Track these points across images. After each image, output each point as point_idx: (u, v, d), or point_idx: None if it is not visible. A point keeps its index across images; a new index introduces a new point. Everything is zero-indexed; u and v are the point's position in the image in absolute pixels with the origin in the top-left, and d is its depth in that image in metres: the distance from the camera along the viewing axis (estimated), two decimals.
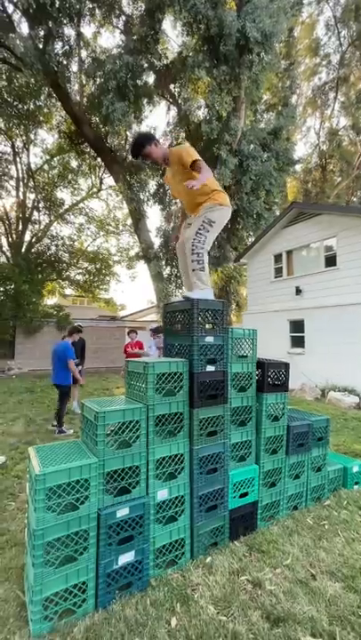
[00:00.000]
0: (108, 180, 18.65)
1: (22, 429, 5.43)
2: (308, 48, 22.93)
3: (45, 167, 18.01)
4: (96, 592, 1.86)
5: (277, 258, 11.59)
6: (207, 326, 2.46)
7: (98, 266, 19.41)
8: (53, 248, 18.14)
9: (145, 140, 2.70)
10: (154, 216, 66.54)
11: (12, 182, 16.62)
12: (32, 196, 17.32)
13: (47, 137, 32.44)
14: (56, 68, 11.27)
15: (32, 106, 14.98)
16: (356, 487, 3.39)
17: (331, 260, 9.64)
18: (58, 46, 11.71)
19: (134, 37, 12.27)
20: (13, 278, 13.97)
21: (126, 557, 1.94)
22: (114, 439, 2.00)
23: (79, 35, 12.78)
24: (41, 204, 17.70)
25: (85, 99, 13.52)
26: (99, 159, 15.91)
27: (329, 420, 3.25)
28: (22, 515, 2.83)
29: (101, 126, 13.12)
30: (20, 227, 16.92)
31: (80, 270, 19.29)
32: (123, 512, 1.93)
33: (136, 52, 11.74)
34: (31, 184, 17.06)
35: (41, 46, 10.91)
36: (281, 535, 2.54)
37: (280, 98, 18.64)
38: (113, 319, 18.41)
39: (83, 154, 16.61)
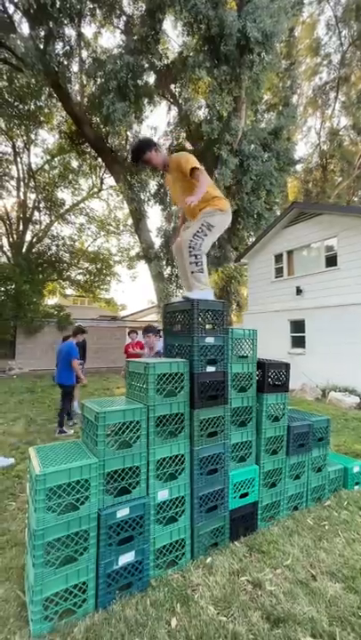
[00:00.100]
0: (109, 180, 18.68)
1: (23, 429, 5.44)
2: (309, 48, 22.91)
3: (46, 167, 18.03)
4: (96, 592, 1.86)
5: (278, 258, 11.59)
6: (207, 327, 2.45)
7: (98, 266, 19.42)
8: (54, 248, 18.16)
9: (145, 145, 2.72)
10: (154, 216, 66.74)
11: (13, 182, 16.65)
12: (33, 196, 17.34)
13: (48, 137, 32.57)
14: (57, 69, 11.28)
15: (33, 106, 14.99)
16: (356, 487, 3.38)
17: (331, 260, 9.63)
18: (58, 46, 11.72)
19: (135, 37, 12.28)
20: (14, 278, 13.98)
21: (126, 558, 1.94)
22: (114, 439, 2.00)
23: (80, 35, 12.79)
24: (42, 204, 17.72)
25: (86, 99, 13.53)
26: (99, 159, 15.91)
27: (329, 420, 3.25)
28: (23, 515, 2.83)
29: (102, 126, 13.12)
30: (21, 227, 16.94)
31: (81, 270, 19.30)
32: (123, 512, 1.93)
33: (137, 52, 11.74)
34: (32, 184, 17.08)
35: (42, 46, 10.92)
36: (281, 536, 2.54)
37: (281, 98, 18.63)
38: (114, 319, 18.43)
39: (83, 154, 16.62)
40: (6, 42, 11.51)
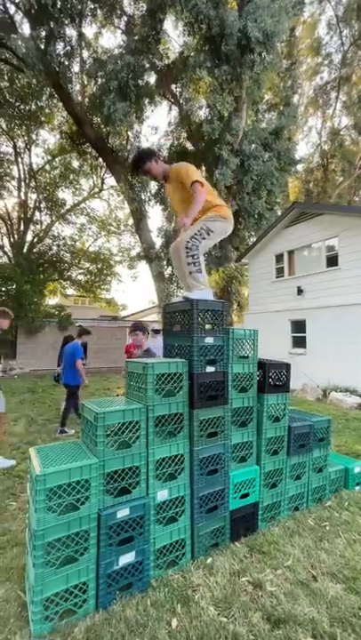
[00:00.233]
0: (110, 181, 18.71)
1: (24, 429, 5.45)
2: (310, 47, 22.87)
3: (47, 167, 18.07)
4: (97, 592, 1.86)
5: (279, 258, 11.57)
6: (207, 327, 2.45)
7: (99, 266, 19.46)
8: (55, 248, 18.19)
9: (146, 156, 2.75)
10: (155, 216, 66.64)
11: (14, 182, 16.70)
12: (34, 196, 17.38)
13: (49, 137, 32.58)
14: (58, 69, 11.30)
15: (34, 106, 15.03)
16: (357, 488, 3.38)
17: (332, 260, 9.61)
18: (59, 47, 11.74)
19: (136, 37, 12.28)
20: (15, 278, 14.01)
21: (127, 558, 1.94)
22: (114, 440, 2.00)
23: (81, 35, 12.81)
24: (42, 205, 17.75)
25: (87, 99, 13.54)
26: (100, 159, 15.94)
27: (330, 420, 3.24)
28: (23, 515, 2.83)
29: (103, 126, 13.13)
30: (22, 227, 16.97)
31: (81, 270, 19.34)
32: (123, 512, 1.93)
33: (137, 52, 11.75)
34: (33, 184, 17.11)
35: (43, 47, 10.94)
36: (282, 536, 2.53)
37: (282, 97, 18.60)
38: (114, 319, 18.44)
39: (84, 154, 16.65)
40: (7, 42, 11.53)
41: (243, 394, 2.60)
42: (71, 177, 18.36)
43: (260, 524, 2.65)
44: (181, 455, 2.24)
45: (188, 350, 2.38)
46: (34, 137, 16.62)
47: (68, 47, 12.09)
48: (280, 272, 11.54)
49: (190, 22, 11.28)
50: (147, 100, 13.06)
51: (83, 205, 19.54)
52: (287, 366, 2.87)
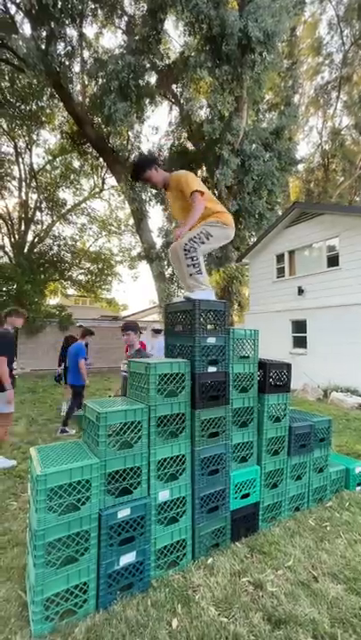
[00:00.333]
0: (111, 181, 18.70)
1: (24, 429, 5.46)
2: (311, 47, 22.85)
3: (48, 167, 18.06)
4: (97, 593, 1.86)
5: (280, 258, 11.57)
6: (209, 327, 2.45)
7: (100, 266, 19.45)
8: (56, 248, 18.18)
9: (145, 164, 2.74)
10: (156, 216, 66.71)
11: (15, 183, 16.68)
12: (34, 196, 17.37)
13: (49, 137, 32.62)
14: (58, 69, 11.28)
15: (34, 106, 15.01)
16: (358, 488, 3.37)
17: (333, 260, 9.60)
18: (60, 47, 11.72)
19: (136, 38, 12.26)
20: (16, 278, 14.02)
21: (127, 558, 1.94)
22: (115, 440, 2.00)
23: (81, 35, 12.79)
24: (43, 205, 17.74)
25: (87, 99, 13.53)
26: (101, 159, 15.92)
27: (331, 420, 3.23)
28: (24, 515, 2.83)
29: (103, 126, 13.12)
30: (23, 227, 16.97)
31: (82, 270, 19.33)
32: (124, 513, 1.93)
33: (138, 52, 11.73)
34: (33, 184, 17.11)
35: (43, 47, 10.92)
36: (283, 536, 2.53)
37: (282, 97, 18.57)
38: (115, 319, 18.43)
39: (85, 154, 16.64)
40: (8, 42, 11.52)
41: (243, 394, 2.60)
42: (72, 177, 18.35)
43: (260, 525, 2.64)
44: (183, 455, 2.24)
45: (189, 350, 2.38)
46: (34, 137, 16.61)
47: (69, 47, 12.08)
48: (281, 272, 11.53)
49: (191, 22, 11.26)
50: (147, 100, 13.04)
51: (83, 205, 19.55)
52: (288, 366, 2.87)
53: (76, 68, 13.20)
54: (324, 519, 2.80)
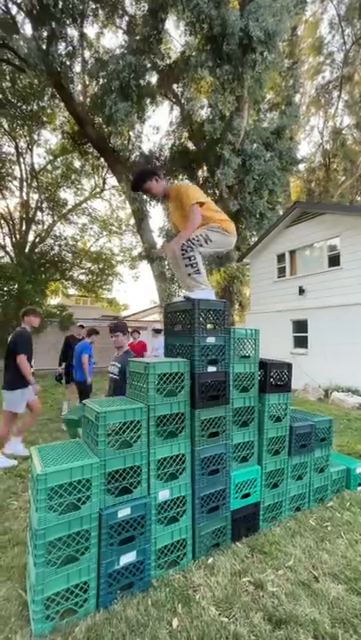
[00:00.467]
0: (111, 180, 18.71)
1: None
2: (312, 47, 22.80)
3: (49, 167, 18.09)
4: (97, 592, 1.86)
5: (280, 258, 11.55)
6: (208, 326, 2.45)
7: (101, 266, 19.48)
8: (57, 248, 18.21)
9: (146, 175, 2.75)
10: (157, 216, 66.70)
11: (16, 183, 16.71)
12: (35, 196, 17.40)
13: (50, 137, 32.64)
14: (59, 69, 11.29)
15: (35, 106, 15.03)
16: (359, 488, 3.36)
17: (334, 260, 9.59)
18: (61, 47, 11.73)
19: (137, 37, 12.26)
20: (17, 278, 14.04)
21: (128, 558, 1.94)
22: (115, 439, 2.00)
23: (82, 35, 12.79)
24: (44, 205, 17.77)
25: (88, 99, 13.54)
26: (102, 159, 15.93)
27: (332, 420, 3.23)
28: (25, 514, 2.84)
29: (104, 126, 13.13)
30: (24, 227, 17.00)
31: (83, 270, 19.36)
32: (124, 512, 1.93)
33: (139, 52, 11.73)
34: (34, 184, 17.13)
35: (44, 47, 10.94)
36: (283, 536, 2.53)
37: (283, 97, 18.53)
38: (116, 319, 18.44)
39: (86, 154, 16.64)
40: (9, 42, 11.53)
41: (244, 393, 2.60)
42: (73, 177, 18.37)
43: (261, 525, 2.64)
44: (183, 455, 2.24)
45: (189, 350, 2.38)
46: (36, 137, 16.64)
47: (70, 47, 12.08)
48: (282, 272, 11.51)
49: (192, 22, 11.24)
50: (148, 100, 13.04)
51: (84, 205, 19.58)
52: (289, 366, 2.86)
53: (77, 68, 13.22)
54: (324, 519, 2.79)
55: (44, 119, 15.98)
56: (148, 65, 12.35)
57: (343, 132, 23.71)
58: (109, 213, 20.96)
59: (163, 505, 2.14)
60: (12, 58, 12.45)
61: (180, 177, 14.94)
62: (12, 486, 3.36)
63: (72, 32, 12.16)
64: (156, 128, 23.61)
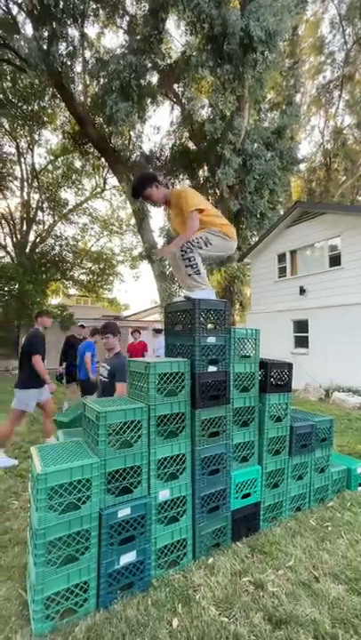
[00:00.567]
0: (112, 180, 18.73)
1: (25, 429, 5.46)
2: (313, 46, 22.78)
3: (49, 167, 18.11)
4: (97, 592, 1.86)
5: (281, 257, 11.54)
6: (209, 326, 2.44)
7: (101, 266, 19.51)
8: (57, 248, 18.25)
9: (146, 182, 2.72)
10: (157, 216, 66.79)
11: (17, 183, 16.76)
12: (36, 196, 17.45)
13: (51, 137, 32.69)
14: (60, 69, 11.31)
15: (36, 106, 15.07)
16: (360, 489, 3.36)
17: (335, 260, 9.58)
18: (62, 47, 11.74)
19: (138, 37, 12.26)
20: (17, 278, 14.06)
21: (128, 557, 1.94)
22: (115, 439, 1.99)
23: (83, 35, 12.80)
24: (45, 205, 17.80)
25: (89, 99, 13.54)
26: (102, 159, 15.94)
27: (333, 420, 3.22)
28: (25, 513, 2.84)
29: (105, 126, 13.13)
30: (25, 227, 17.02)
31: (84, 270, 19.39)
32: (124, 512, 1.93)
33: (140, 51, 11.73)
34: (35, 184, 17.16)
35: (45, 47, 10.95)
36: (284, 536, 2.52)
37: (284, 97, 18.52)
38: (116, 319, 18.46)
39: (86, 154, 16.66)
40: (10, 43, 11.56)
41: (244, 393, 2.59)
42: (73, 177, 18.40)
43: (261, 524, 2.64)
44: (183, 455, 2.24)
45: (190, 350, 2.38)
46: (36, 137, 16.67)
47: (71, 47, 12.09)
48: (282, 272, 11.50)
49: (192, 22, 11.24)
50: (149, 100, 13.04)
51: (85, 205, 19.61)
52: (289, 366, 2.86)
53: (78, 68, 13.23)
54: (325, 519, 2.79)
55: (45, 119, 16.00)
56: (149, 65, 12.36)
57: (344, 131, 23.68)
58: (110, 213, 21.04)
59: (163, 505, 2.14)
60: (12, 58, 12.47)
61: (181, 177, 14.95)
62: (12, 486, 3.36)
63: (73, 32, 12.18)
64: (157, 128, 23.67)
